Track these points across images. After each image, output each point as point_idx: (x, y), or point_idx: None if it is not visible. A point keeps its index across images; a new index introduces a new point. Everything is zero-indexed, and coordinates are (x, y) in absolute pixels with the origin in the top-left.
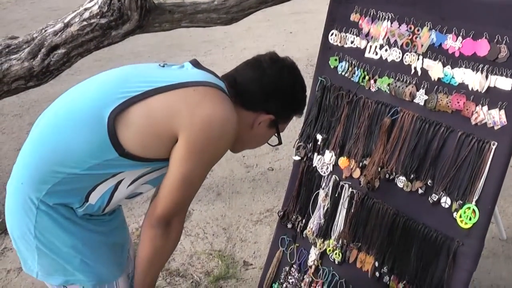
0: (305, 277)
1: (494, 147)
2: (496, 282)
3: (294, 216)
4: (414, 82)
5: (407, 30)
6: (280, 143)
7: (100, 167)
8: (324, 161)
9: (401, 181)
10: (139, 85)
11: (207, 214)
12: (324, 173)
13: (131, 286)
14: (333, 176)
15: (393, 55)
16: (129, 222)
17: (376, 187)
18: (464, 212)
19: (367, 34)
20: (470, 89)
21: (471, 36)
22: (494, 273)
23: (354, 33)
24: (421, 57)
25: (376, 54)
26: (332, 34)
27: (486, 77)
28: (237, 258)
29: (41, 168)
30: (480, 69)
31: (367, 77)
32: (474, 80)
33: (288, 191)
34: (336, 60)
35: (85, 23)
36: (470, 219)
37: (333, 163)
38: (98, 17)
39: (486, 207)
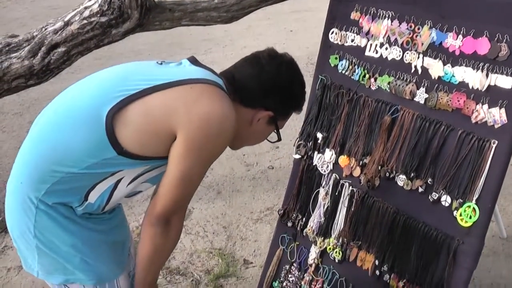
0: (305, 275)
1: (494, 146)
2: (497, 281)
3: (294, 215)
4: (414, 81)
5: (407, 28)
6: (279, 139)
7: (99, 166)
8: (324, 160)
9: (401, 180)
10: (137, 83)
11: (208, 212)
12: (325, 171)
13: (132, 285)
14: (333, 174)
15: (393, 53)
16: (129, 220)
17: (376, 185)
18: (464, 211)
19: (368, 33)
20: (470, 87)
21: (472, 34)
22: (494, 271)
23: (355, 31)
24: (421, 56)
25: (377, 52)
26: (332, 33)
27: (487, 75)
28: (237, 257)
29: (40, 168)
30: (481, 67)
31: (367, 76)
32: (475, 78)
33: (288, 190)
34: (336, 58)
35: (85, 21)
36: (470, 217)
37: (334, 162)
38: (98, 15)
39: (486, 206)
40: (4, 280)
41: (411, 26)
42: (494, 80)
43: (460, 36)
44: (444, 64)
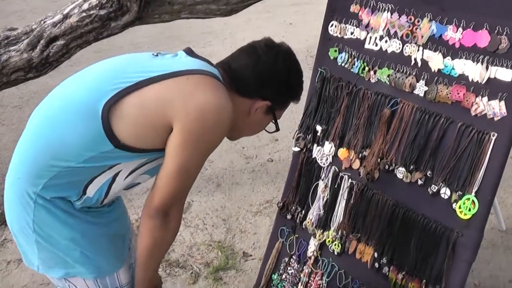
0: (304, 268)
1: (494, 138)
2: (495, 273)
3: (293, 207)
4: (414, 73)
5: (407, 21)
6: (277, 129)
7: (96, 160)
8: (323, 152)
9: (400, 172)
10: (132, 75)
11: (207, 205)
12: (324, 164)
13: (133, 277)
14: (333, 167)
15: (393, 46)
16: (129, 213)
17: (375, 178)
18: (464, 203)
19: (367, 25)
20: (470, 80)
21: (472, 27)
22: (493, 263)
23: (354, 24)
24: (421, 48)
25: (376, 45)
26: (332, 25)
27: (487, 68)
28: (237, 249)
29: (37, 162)
30: (481, 60)
31: (367, 68)
32: (474, 71)
33: (287, 182)
34: (336, 51)
35: (84, 14)
36: (469, 210)
37: (333, 154)
38: (97, 8)
39: (486, 198)
40: (4, 273)
41: (411, 19)
42: (494, 72)
43: (460, 29)
44: (444, 57)
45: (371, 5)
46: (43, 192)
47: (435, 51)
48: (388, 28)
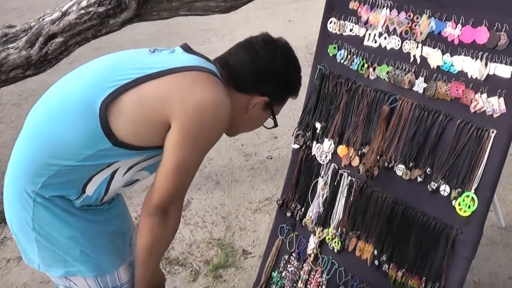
0: (304, 265)
1: (493, 135)
2: (495, 270)
3: (293, 205)
4: (413, 70)
5: (406, 18)
6: (276, 125)
7: (95, 158)
8: (323, 150)
9: (400, 169)
10: (130, 72)
11: (206, 202)
12: (323, 161)
13: (133, 275)
14: (332, 164)
15: (392, 43)
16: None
17: (375, 175)
18: (463, 200)
19: (366, 22)
20: (469, 76)
21: (471, 23)
22: (492, 261)
23: (353, 21)
24: (420, 45)
25: (375, 42)
26: (331, 22)
27: (486, 64)
28: (237, 247)
29: (36, 161)
30: (480, 56)
31: (366, 65)
32: (474, 67)
33: (287, 180)
34: (335, 48)
35: (82, 11)
36: (469, 207)
37: (332, 151)
38: (96, 5)
39: (485, 195)
40: (4, 271)
41: (410, 16)
42: (493, 69)
43: (459, 25)
44: (443, 54)
45: (370, 1)
46: (42, 190)
47: (434, 47)
48: (387, 25)
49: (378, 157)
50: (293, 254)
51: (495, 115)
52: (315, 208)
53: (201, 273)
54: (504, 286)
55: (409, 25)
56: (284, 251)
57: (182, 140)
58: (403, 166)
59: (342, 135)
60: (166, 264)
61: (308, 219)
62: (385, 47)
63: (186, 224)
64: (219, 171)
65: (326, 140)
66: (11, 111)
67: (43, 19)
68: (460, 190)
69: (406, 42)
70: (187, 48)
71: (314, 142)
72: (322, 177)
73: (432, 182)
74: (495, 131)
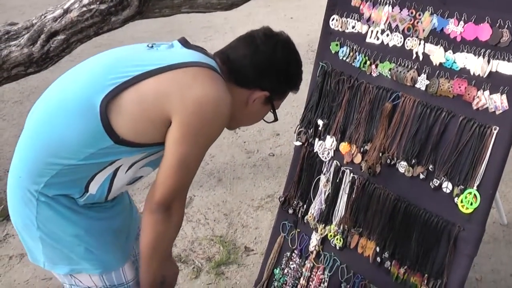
0: (306, 262)
1: (495, 132)
2: (497, 267)
3: (295, 202)
4: (415, 67)
5: (408, 14)
6: (276, 119)
7: (96, 156)
8: (325, 147)
9: (402, 166)
10: (129, 69)
11: (208, 200)
12: (325, 158)
13: (138, 269)
14: (334, 161)
15: (394, 40)
16: None
17: (377, 172)
18: (465, 197)
19: (368, 19)
20: (471, 73)
21: (473, 20)
22: (494, 258)
23: (355, 18)
24: (422, 42)
25: (378, 39)
26: (333, 19)
27: (488, 61)
28: (239, 244)
29: (38, 161)
30: (482, 53)
31: (368, 62)
32: (476, 64)
33: (289, 177)
34: (337, 45)
35: (84, 9)
36: (471, 204)
37: (334, 149)
38: (97, 3)
39: (487, 192)
40: (6, 268)
41: (412, 13)
42: (496, 66)
43: (462, 22)
44: (446, 51)
45: None
46: (45, 190)
47: (436, 44)
48: (389, 22)
49: (381, 154)
50: (295, 251)
51: (497, 112)
52: (317, 205)
53: (203, 270)
54: (506, 283)
55: (411, 22)
56: (286, 248)
57: (183, 136)
58: (405, 163)
59: (344, 132)
60: None
61: (310, 216)
62: (388, 44)
63: (188, 221)
64: (221, 168)
65: (328, 137)
66: (13, 108)
67: (45, 17)
68: (463, 187)
69: (408, 39)
70: (185, 42)
71: (316, 139)
72: (324, 174)
73: (435, 179)
74: (498, 128)
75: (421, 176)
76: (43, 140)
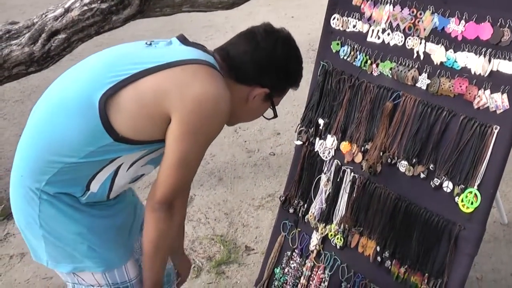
0: (307, 261)
1: (496, 131)
2: (497, 266)
3: (296, 201)
4: (416, 66)
5: (409, 14)
6: (275, 116)
7: (97, 154)
8: (326, 146)
9: (403, 166)
10: (127, 67)
11: (209, 199)
12: (326, 157)
13: (141, 271)
14: (335, 160)
15: (395, 39)
16: None
17: (378, 171)
18: (466, 197)
19: (369, 18)
20: (472, 73)
21: (474, 19)
22: (495, 257)
23: (356, 17)
24: (423, 41)
25: (378, 38)
26: (334, 18)
27: (489, 60)
28: (239, 243)
29: (39, 160)
30: (483, 52)
31: (369, 61)
32: (477, 64)
33: (290, 176)
34: (338, 44)
35: (85, 8)
36: (471, 203)
37: (335, 148)
38: (98, 2)
39: (488, 192)
40: (7, 267)
41: (413, 12)
42: (497, 65)
43: (463, 21)
44: (447, 50)
45: None
46: (46, 188)
47: (437, 44)
48: (390, 21)
49: (381, 153)
50: (295, 250)
51: (498, 111)
52: (317, 205)
53: (203, 269)
54: (506, 282)
55: (412, 21)
56: (286, 247)
57: (182, 134)
58: (406, 163)
59: (345, 132)
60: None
61: (310, 216)
62: (388, 43)
63: (188, 220)
64: (221, 168)
65: (329, 136)
66: (14, 107)
67: (46, 16)
68: (463, 186)
69: (409, 38)
70: (183, 39)
71: (317, 139)
72: (325, 173)
73: (435, 178)
74: (498, 127)
75: (422, 176)
76: (44, 138)
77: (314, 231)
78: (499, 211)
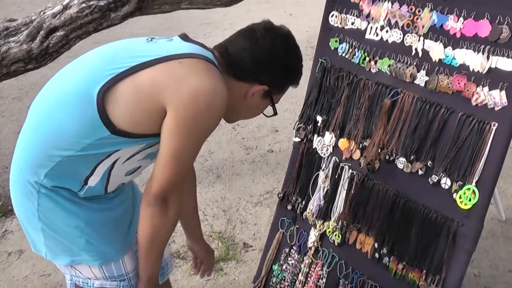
0: (305, 258)
1: (494, 128)
2: (495, 263)
3: (294, 198)
4: (414, 63)
5: (408, 11)
6: (275, 113)
7: (94, 147)
8: (324, 143)
9: (401, 162)
10: (126, 61)
11: (207, 196)
12: (324, 154)
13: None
14: (333, 157)
15: (394, 36)
16: None
17: (376, 168)
18: (464, 193)
19: (368, 15)
20: (471, 70)
21: (473, 16)
22: (493, 253)
23: (355, 14)
24: (422, 38)
25: (377, 35)
26: (332, 16)
27: (488, 58)
28: (237, 240)
29: (38, 153)
30: (482, 50)
31: (367, 59)
32: (475, 61)
33: (288, 173)
34: (336, 41)
35: (84, 5)
36: (470, 200)
37: (333, 145)
38: None
39: (486, 188)
40: (5, 264)
41: (411, 9)
42: (495, 62)
43: (461, 19)
44: (445, 47)
45: None
46: (45, 181)
47: (436, 41)
48: (389, 18)
49: (379, 150)
50: (293, 247)
51: (496, 108)
52: (315, 201)
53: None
54: (504, 278)
55: (411, 18)
56: (284, 244)
57: (177, 128)
58: (404, 159)
59: (343, 128)
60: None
61: (308, 212)
62: (387, 40)
63: None
64: (220, 165)
65: (327, 133)
66: (12, 105)
67: (44, 13)
68: (461, 183)
69: (408, 35)
70: (184, 37)
71: (315, 135)
72: (323, 170)
73: (433, 175)
74: (497, 124)
75: (420, 172)
76: (43, 132)
77: (312, 228)
78: (497, 207)
